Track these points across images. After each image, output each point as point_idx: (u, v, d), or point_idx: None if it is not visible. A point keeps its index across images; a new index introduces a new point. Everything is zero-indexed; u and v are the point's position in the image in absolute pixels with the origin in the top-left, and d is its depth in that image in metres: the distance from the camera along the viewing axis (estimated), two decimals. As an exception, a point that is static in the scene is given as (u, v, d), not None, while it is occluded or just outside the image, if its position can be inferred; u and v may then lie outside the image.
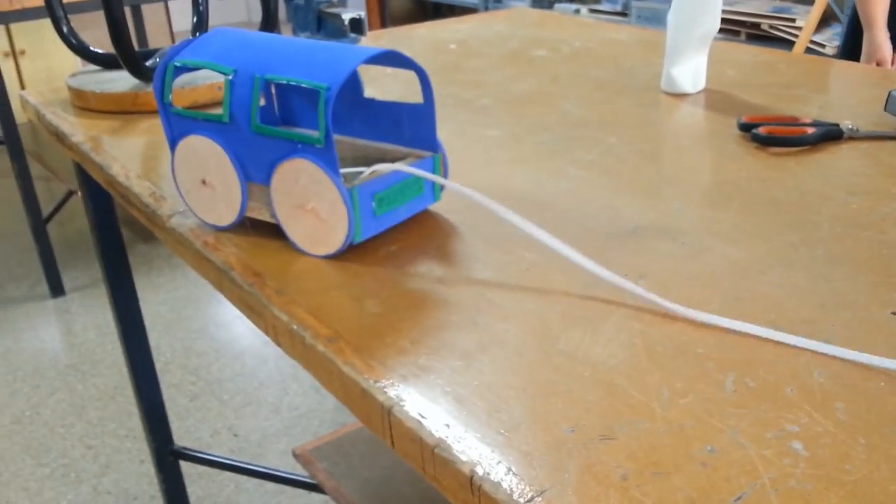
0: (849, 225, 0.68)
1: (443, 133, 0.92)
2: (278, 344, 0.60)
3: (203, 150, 0.68)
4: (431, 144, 0.71)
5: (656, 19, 3.69)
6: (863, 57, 1.55)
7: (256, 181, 0.66)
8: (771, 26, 3.37)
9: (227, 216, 0.69)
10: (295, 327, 0.56)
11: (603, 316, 0.56)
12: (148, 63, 1.12)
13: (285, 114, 0.77)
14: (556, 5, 4.04)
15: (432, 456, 0.45)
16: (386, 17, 4.71)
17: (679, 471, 0.42)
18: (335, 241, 0.63)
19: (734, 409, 0.46)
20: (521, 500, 0.40)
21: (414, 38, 1.42)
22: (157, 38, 3.88)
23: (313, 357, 0.55)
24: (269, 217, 0.67)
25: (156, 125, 1.00)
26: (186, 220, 0.73)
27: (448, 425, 0.46)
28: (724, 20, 3.40)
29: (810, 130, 0.88)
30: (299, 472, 1.44)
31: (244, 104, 0.64)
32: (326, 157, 0.61)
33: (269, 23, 1.17)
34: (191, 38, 0.70)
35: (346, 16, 1.31)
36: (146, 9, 3.78)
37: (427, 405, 0.47)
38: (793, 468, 0.42)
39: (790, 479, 0.41)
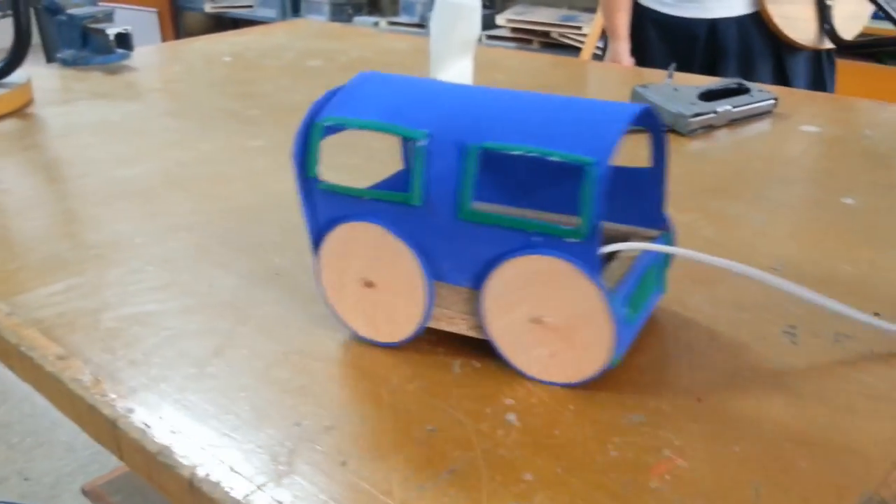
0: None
1: (204, 146, 0.91)
2: (11, 368, 0.57)
3: (370, 243, 0.51)
4: (658, 219, 0.55)
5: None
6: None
7: (451, 282, 0.50)
8: (560, 34, 3.53)
9: (401, 329, 0.52)
10: (23, 349, 0.54)
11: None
12: None
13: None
14: (356, 18, 4.07)
15: (156, 463, 0.44)
16: (181, 34, 4.58)
17: (398, 452, 0.43)
18: (587, 366, 0.48)
19: (458, 390, 0.48)
20: (239, 496, 0.40)
21: (188, 52, 1.39)
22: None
23: (43, 377, 0.52)
24: (469, 330, 0.51)
25: None
26: (-83, 247, 0.68)
27: (174, 432, 0.45)
28: (516, 29, 3.53)
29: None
30: (94, 508, 1.37)
31: (446, 182, 0.47)
32: (587, 255, 0.45)
33: (21, 44, 1.11)
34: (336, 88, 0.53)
35: (112, 31, 1.27)
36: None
37: (154, 414, 0.47)
38: (505, 438, 0.44)
39: (501, 448, 0.43)
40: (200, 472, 0.42)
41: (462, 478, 0.41)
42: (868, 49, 1.61)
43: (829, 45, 1.50)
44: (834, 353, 0.51)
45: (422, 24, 3.96)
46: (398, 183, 0.59)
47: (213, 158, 0.87)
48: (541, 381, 0.49)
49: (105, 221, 0.71)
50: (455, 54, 1.07)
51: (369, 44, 1.44)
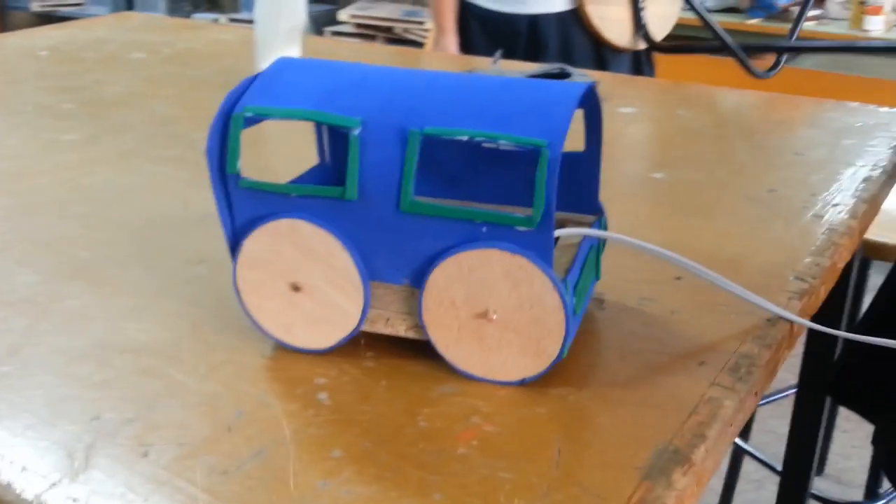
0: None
1: (10, 141, 0.86)
2: None
3: (299, 242, 0.47)
4: (592, 204, 0.54)
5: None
6: None
7: (387, 281, 0.47)
8: (404, 30, 3.54)
9: (332, 334, 0.48)
10: None
11: (145, 304, 0.54)
12: None
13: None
14: (194, 15, 3.95)
15: (-63, 471, 0.41)
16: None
17: (205, 440, 0.42)
18: (536, 361, 0.45)
19: (269, 373, 0.47)
20: (31, 496, 0.38)
21: (1, 48, 1.31)
22: None
23: None
24: (408, 331, 0.48)
25: None
26: None
27: (-40, 436, 0.42)
28: (360, 25, 3.52)
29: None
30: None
31: (385, 172, 0.44)
32: (539, 245, 0.43)
33: None
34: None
35: None
36: None
37: (-63, 419, 0.43)
38: (315, 417, 0.43)
39: (311, 427, 0.43)
40: (-14, 475, 0.39)
41: (269, 460, 0.40)
42: (681, 52, 1.68)
43: (643, 46, 1.57)
44: (637, 316, 0.53)
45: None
46: (315, 179, 0.55)
47: (19, 154, 0.82)
48: (488, 381, 0.46)
49: None
50: (281, 42, 1.06)
51: (197, 36, 1.40)
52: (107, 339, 0.50)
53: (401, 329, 0.48)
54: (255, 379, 0.47)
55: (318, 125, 0.54)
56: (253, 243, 0.47)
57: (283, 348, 0.49)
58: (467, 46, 1.57)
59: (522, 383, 0.46)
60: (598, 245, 0.54)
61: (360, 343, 0.49)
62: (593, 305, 0.54)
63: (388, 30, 3.51)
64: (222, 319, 0.52)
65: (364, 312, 0.47)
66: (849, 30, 2.42)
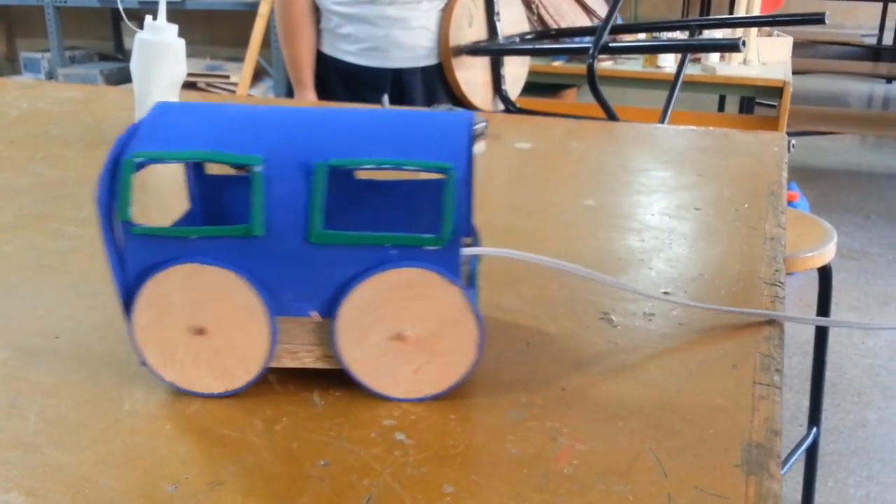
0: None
1: None
2: None
3: (200, 285, 0.45)
4: (466, 228, 0.53)
5: (90, 80, 3.57)
6: None
7: (293, 314, 0.47)
8: (208, 84, 3.47)
9: (241, 375, 0.47)
10: None
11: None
12: None
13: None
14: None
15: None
16: None
17: (302, 492, 0.40)
18: (452, 372, 0.47)
19: (331, 420, 0.45)
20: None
21: None
22: None
23: None
24: (316, 362, 0.48)
25: None
26: None
27: (22, 527, 0.38)
28: (158, 83, 3.41)
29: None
30: None
31: (292, 206, 0.44)
32: (448, 261, 0.45)
33: None
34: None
35: None
36: None
37: (-14, 512, 0.38)
38: (405, 457, 0.42)
39: (407, 467, 0.42)
40: (84, 563, 0.35)
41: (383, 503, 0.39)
42: (538, 114, 1.80)
43: (501, 107, 1.64)
44: (652, 331, 0.55)
45: (51, 79, 3.68)
46: (192, 223, 0.54)
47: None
48: (408, 400, 0.47)
49: None
50: (163, 95, 1.02)
51: (37, 95, 1.31)
52: (135, 409, 0.46)
53: (308, 361, 0.48)
54: (320, 428, 0.45)
55: (187, 172, 0.53)
56: (149, 291, 0.46)
57: (331, 395, 0.48)
58: (327, 101, 1.56)
59: (439, 397, 0.47)
60: (477, 265, 0.56)
61: (414, 381, 0.49)
62: (606, 324, 0.56)
63: (193, 85, 3.43)
64: (247, 374, 0.50)
65: (272, 348, 0.47)
66: (643, 67, 2.62)
